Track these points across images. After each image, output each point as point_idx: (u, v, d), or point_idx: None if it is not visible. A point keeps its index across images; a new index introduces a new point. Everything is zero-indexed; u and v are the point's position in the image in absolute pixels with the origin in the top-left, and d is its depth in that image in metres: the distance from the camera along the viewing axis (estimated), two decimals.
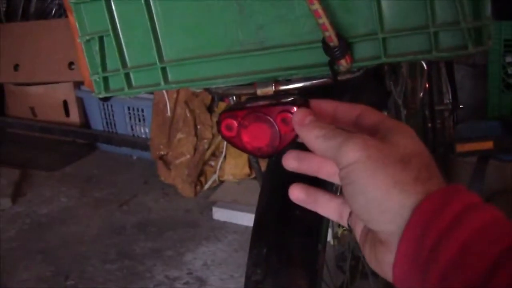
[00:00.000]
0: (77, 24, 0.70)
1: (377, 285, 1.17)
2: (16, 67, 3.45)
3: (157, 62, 0.67)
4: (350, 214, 0.58)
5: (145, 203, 2.71)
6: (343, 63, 0.59)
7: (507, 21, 2.63)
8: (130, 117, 3.15)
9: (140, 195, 2.79)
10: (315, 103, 0.60)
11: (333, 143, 0.52)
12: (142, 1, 0.66)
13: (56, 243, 2.42)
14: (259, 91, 0.65)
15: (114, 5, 0.67)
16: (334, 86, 0.65)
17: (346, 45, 0.58)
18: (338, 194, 0.61)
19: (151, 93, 2.85)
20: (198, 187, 2.75)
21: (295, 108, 0.60)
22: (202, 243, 2.35)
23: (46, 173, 3.06)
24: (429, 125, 1.89)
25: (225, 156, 2.74)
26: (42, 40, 3.34)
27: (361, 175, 0.50)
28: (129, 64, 0.69)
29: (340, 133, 0.53)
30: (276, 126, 0.61)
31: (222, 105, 2.70)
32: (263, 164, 1.01)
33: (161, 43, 0.67)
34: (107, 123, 3.27)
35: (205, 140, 2.71)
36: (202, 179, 2.78)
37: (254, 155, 0.63)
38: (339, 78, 0.63)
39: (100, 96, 0.71)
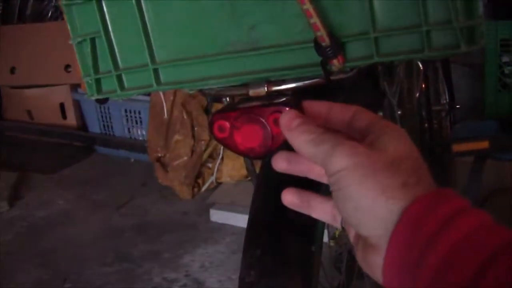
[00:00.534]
0: (68, 26, 0.69)
1: (373, 286, 1.16)
2: (12, 70, 3.44)
3: (149, 64, 0.67)
4: None
5: (143, 206, 2.71)
6: (336, 63, 0.59)
7: (503, 20, 2.63)
8: (127, 120, 3.15)
9: (137, 197, 2.79)
10: (308, 104, 0.59)
11: (322, 149, 0.52)
12: (134, 2, 0.65)
13: (54, 246, 2.41)
14: (252, 92, 0.65)
15: (106, 7, 0.67)
16: (327, 87, 0.65)
17: (338, 45, 0.58)
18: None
19: (148, 95, 2.85)
20: (196, 189, 2.75)
21: (287, 109, 0.60)
22: (200, 245, 2.35)
23: (44, 176, 3.06)
24: (426, 125, 1.89)
25: (222, 158, 2.74)
26: (39, 42, 3.33)
27: (349, 182, 0.50)
28: (121, 66, 0.69)
29: (328, 139, 0.52)
30: (268, 127, 0.61)
31: (217, 107, 2.70)
32: (259, 166, 1.00)
33: (153, 44, 0.67)
34: (104, 125, 3.27)
35: (203, 142, 2.71)
36: (200, 181, 2.77)
37: (246, 156, 0.63)
38: (332, 78, 0.62)
39: (93, 98, 0.71)
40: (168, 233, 2.46)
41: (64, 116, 3.38)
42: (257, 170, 0.94)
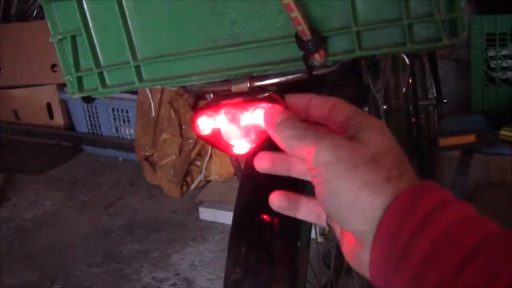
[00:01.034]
0: (49, 24, 0.69)
1: (361, 281, 1.16)
2: None
3: (131, 61, 0.66)
4: None
5: (131, 205, 2.70)
6: (317, 57, 0.58)
7: (489, 15, 2.64)
8: (115, 119, 3.13)
9: (126, 197, 2.78)
10: (289, 97, 0.59)
11: (304, 144, 0.52)
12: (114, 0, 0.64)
13: (42, 248, 2.40)
14: (234, 88, 0.65)
15: (86, 4, 0.67)
16: (310, 81, 0.65)
17: (319, 39, 0.58)
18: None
19: (135, 93, 2.84)
20: (184, 188, 2.74)
21: (270, 105, 0.60)
22: (189, 244, 2.34)
23: (31, 176, 3.04)
24: (413, 120, 1.89)
25: (210, 156, 2.73)
26: (24, 42, 3.31)
27: (332, 177, 0.50)
28: (102, 63, 0.68)
29: (311, 133, 0.52)
30: (251, 123, 0.60)
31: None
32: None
33: (134, 41, 0.66)
34: (91, 125, 3.26)
35: (191, 140, 2.70)
36: (188, 179, 2.76)
37: (229, 153, 0.63)
38: (314, 72, 0.62)
39: (74, 96, 0.70)
40: (157, 232, 2.45)
41: (51, 116, 3.35)
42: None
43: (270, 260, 0.68)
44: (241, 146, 0.62)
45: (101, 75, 0.68)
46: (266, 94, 0.62)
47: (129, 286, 2.12)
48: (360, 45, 0.59)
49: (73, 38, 0.68)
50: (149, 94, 2.72)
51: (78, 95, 0.70)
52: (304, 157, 0.52)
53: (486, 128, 2.24)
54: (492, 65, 2.69)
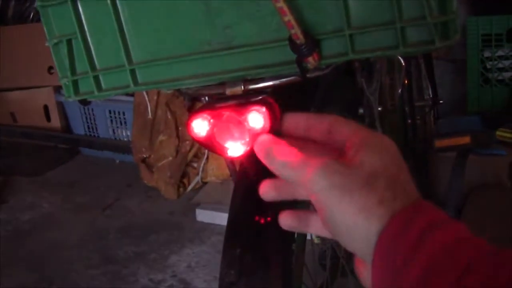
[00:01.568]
0: (44, 27, 0.69)
1: (357, 283, 1.16)
2: None
3: (126, 64, 0.67)
4: None
5: (129, 207, 2.70)
6: (311, 61, 0.59)
7: (484, 16, 2.65)
8: (112, 121, 3.13)
9: (123, 198, 2.78)
10: (287, 116, 0.60)
11: (299, 172, 0.52)
12: (109, 3, 0.65)
13: (39, 250, 2.40)
14: (228, 91, 0.65)
15: (81, 8, 0.67)
16: (304, 84, 0.65)
17: (313, 42, 0.58)
18: None
19: (132, 95, 2.84)
20: (181, 189, 2.74)
21: (264, 108, 0.60)
22: (186, 245, 2.34)
23: (28, 179, 3.04)
24: (409, 121, 1.89)
25: (207, 158, 2.74)
26: (21, 44, 3.31)
27: (328, 203, 0.50)
28: (98, 67, 0.69)
29: (304, 161, 0.53)
30: (245, 125, 0.61)
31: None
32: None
33: (129, 45, 0.67)
34: (88, 127, 3.26)
35: (187, 142, 2.70)
36: (185, 180, 2.77)
37: (223, 156, 0.63)
38: (308, 75, 0.62)
39: (70, 99, 0.70)
40: (154, 233, 2.45)
41: (48, 118, 3.35)
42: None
43: (264, 262, 0.69)
44: (235, 149, 0.62)
45: (96, 79, 0.69)
46: (260, 97, 0.62)
47: (126, 287, 2.12)
48: (353, 48, 0.60)
49: (69, 42, 0.68)
50: (145, 96, 2.72)
51: (74, 99, 0.70)
52: (301, 184, 0.53)
53: (481, 129, 2.25)
54: (488, 66, 2.70)
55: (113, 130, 3.15)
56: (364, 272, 0.53)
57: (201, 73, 0.65)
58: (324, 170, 0.51)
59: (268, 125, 0.59)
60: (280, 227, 0.64)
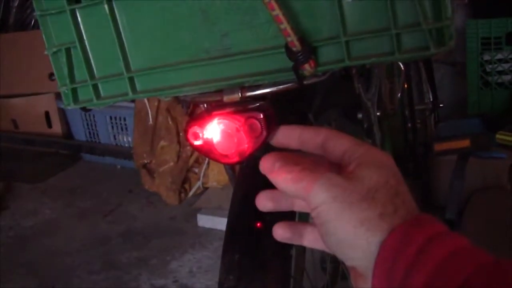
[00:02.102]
0: (43, 36, 0.70)
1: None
2: None
3: (125, 72, 0.67)
4: None
5: (130, 212, 2.71)
6: (307, 68, 0.59)
7: (484, 19, 2.65)
8: (113, 127, 3.14)
9: (124, 204, 2.78)
10: (282, 129, 0.60)
11: (300, 185, 0.53)
12: (107, 12, 0.65)
13: (41, 256, 2.40)
14: (226, 98, 0.66)
15: (80, 17, 0.67)
16: (302, 90, 0.66)
17: (309, 50, 0.59)
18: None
19: (133, 101, 2.85)
20: (183, 195, 2.75)
21: (261, 115, 0.61)
22: (187, 251, 2.35)
23: (30, 185, 3.05)
24: (409, 125, 1.90)
25: (208, 163, 2.74)
26: (22, 51, 3.32)
27: (329, 216, 0.51)
28: (96, 75, 0.69)
29: (306, 175, 0.53)
30: (243, 132, 0.61)
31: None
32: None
33: (127, 53, 0.67)
34: (89, 133, 3.27)
35: (188, 147, 2.71)
36: (187, 186, 2.77)
37: (222, 162, 0.63)
38: (305, 82, 0.63)
39: (69, 107, 0.71)
40: (155, 239, 2.45)
41: (49, 125, 3.36)
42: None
43: (263, 267, 0.69)
44: (233, 156, 0.63)
45: (95, 87, 0.69)
46: (258, 104, 0.63)
47: None
48: (349, 55, 0.60)
49: (68, 50, 0.69)
50: (146, 102, 2.73)
51: (73, 107, 0.71)
52: (302, 198, 0.53)
53: (481, 132, 2.25)
54: (488, 69, 2.71)
55: (114, 136, 3.16)
56: (362, 284, 0.53)
57: (199, 81, 0.65)
58: (325, 183, 0.51)
59: (265, 132, 0.60)
60: None
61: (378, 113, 1.05)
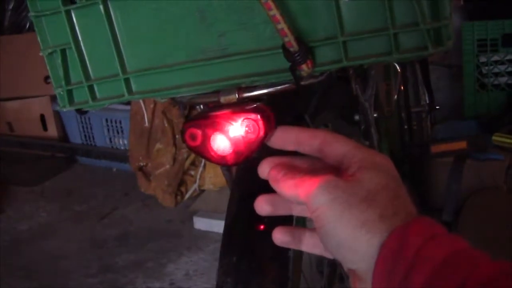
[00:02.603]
0: (38, 37, 0.69)
1: None
2: None
3: (120, 74, 0.67)
4: None
5: (126, 215, 2.70)
6: (305, 68, 0.59)
7: (480, 21, 2.65)
8: (108, 129, 3.13)
9: (120, 207, 2.77)
10: (279, 130, 0.60)
11: (301, 189, 0.53)
12: (103, 13, 0.65)
13: (37, 259, 2.39)
14: (223, 99, 0.65)
15: (75, 18, 0.67)
16: (299, 91, 0.65)
17: (306, 50, 0.58)
18: None
19: (128, 104, 2.84)
20: (179, 197, 2.74)
21: (259, 116, 0.60)
22: (184, 253, 2.34)
23: (26, 188, 3.03)
24: (405, 127, 1.90)
25: (204, 165, 2.73)
26: (17, 54, 3.31)
27: (329, 218, 0.51)
28: (92, 76, 0.69)
29: (307, 179, 0.53)
30: (240, 134, 0.61)
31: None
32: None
33: (123, 54, 0.67)
34: (85, 136, 3.26)
35: (184, 150, 2.70)
36: (183, 188, 2.76)
37: (219, 164, 0.63)
38: (302, 83, 0.62)
39: (65, 109, 0.70)
40: (151, 242, 2.44)
41: (45, 128, 3.35)
42: None
43: (260, 269, 0.68)
44: (230, 157, 0.62)
45: (91, 88, 0.69)
46: (255, 105, 0.63)
47: None
48: (346, 55, 0.60)
49: (63, 51, 0.68)
50: (142, 104, 2.72)
51: (68, 109, 0.70)
52: (303, 201, 0.53)
53: (478, 134, 2.25)
54: (484, 71, 2.71)
55: (110, 138, 3.15)
56: (361, 285, 0.53)
57: (195, 82, 0.65)
58: (325, 185, 0.52)
59: (262, 133, 0.60)
60: None
61: (375, 115, 1.04)
